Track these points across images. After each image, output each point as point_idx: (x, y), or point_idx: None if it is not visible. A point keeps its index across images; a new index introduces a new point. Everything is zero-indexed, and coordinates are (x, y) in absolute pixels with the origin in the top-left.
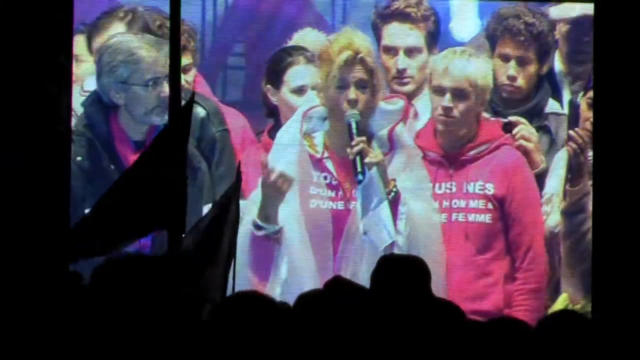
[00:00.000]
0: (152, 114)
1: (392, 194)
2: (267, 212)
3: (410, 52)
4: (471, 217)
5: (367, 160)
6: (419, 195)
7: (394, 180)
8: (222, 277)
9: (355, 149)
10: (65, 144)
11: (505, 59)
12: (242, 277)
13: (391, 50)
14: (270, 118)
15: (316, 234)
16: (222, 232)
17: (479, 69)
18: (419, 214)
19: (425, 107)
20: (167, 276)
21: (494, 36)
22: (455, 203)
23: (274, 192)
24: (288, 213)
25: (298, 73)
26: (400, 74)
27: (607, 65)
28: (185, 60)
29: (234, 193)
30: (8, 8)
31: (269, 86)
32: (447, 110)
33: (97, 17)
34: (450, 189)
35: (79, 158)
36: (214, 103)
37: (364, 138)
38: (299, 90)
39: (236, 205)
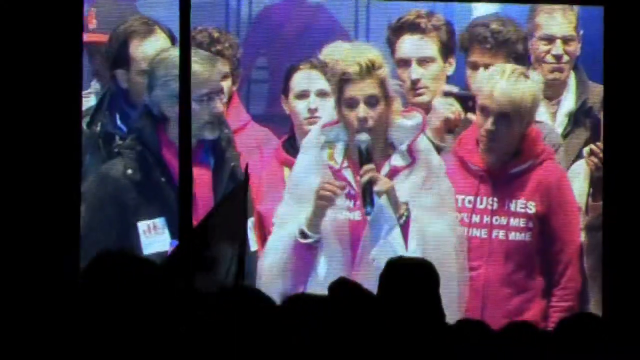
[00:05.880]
0: (204, 129)
1: (404, 218)
2: (316, 222)
3: (422, 62)
4: (511, 235)
5: (376, 188)
6: (438, 213)
7: (406, 203)
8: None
9: (364, 178)
10: (76, 142)
11: (474, 67)
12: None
13: (404, 62)
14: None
15: (335, 243)
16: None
17: (528, 89)
18: (434, 233)
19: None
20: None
21: (462, 47)
22: (496, 220)
23: (325, 204)
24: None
25: (302, 78)
26: (415, 85)
27: (619, 70)
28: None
29: (242, 193)
30: (10, 8)
31: (282, 96)
32: (489, 134)
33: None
34: (492, 205)
35: (129, 171)
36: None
37: (372, 166)
38: (301, 95)
39: (244, 203)
